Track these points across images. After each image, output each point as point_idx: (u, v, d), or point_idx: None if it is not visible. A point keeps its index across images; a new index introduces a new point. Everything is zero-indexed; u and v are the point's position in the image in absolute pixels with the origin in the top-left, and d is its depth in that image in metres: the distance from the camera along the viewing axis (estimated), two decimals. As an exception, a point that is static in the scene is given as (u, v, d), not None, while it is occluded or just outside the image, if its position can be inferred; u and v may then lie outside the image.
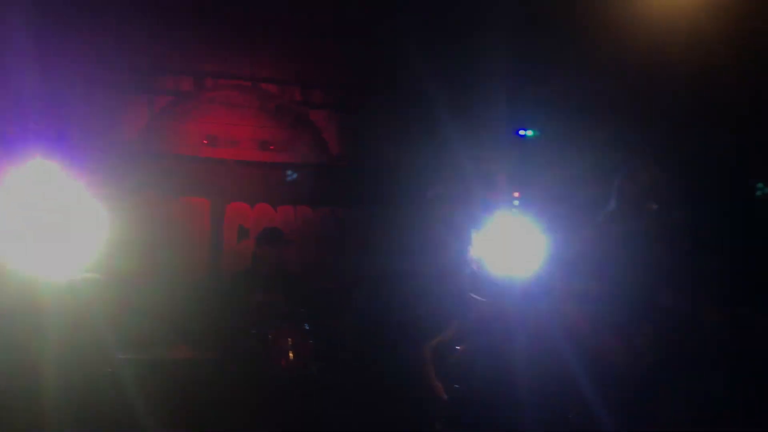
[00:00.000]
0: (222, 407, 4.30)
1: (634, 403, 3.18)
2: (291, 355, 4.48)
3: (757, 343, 3.91)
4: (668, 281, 3.29)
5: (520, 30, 5.46)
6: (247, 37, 5.75)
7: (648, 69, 4.90)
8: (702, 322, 3.21)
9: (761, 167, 4.90)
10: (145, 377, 4.22)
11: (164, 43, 5.52)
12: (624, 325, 3.21)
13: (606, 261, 3.27)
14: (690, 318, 3.18)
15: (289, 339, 4.51)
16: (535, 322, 4.69)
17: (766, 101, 4.53)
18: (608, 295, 3.24)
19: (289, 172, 5.84)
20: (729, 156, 4.94)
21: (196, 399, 4.36)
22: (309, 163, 5.92)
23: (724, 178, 5.02)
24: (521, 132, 6.16)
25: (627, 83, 5.18)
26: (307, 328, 4.66)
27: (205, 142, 5.63)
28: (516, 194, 6.04)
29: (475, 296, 4.69)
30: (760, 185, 3.20)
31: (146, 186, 5.37)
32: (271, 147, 5.81)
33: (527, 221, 5.64)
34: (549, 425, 4.03)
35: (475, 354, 4.46)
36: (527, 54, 5.63)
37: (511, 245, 5.66)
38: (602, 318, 3.24)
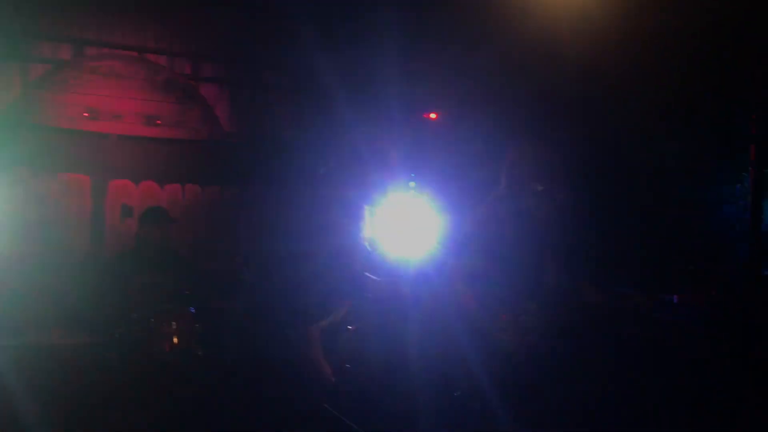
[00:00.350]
0: (103, 392, 4.11)
1: (519, 381, 3.23)
2: (175, 339, 4.31)
3: (634, 320, 4.08)
4: (553, 261, 3.36)
5: (418, 11, 5.44)
6: (133, 4, 5.46)
7: (541, 53, 4.97)
8: (584, 301, 3.29)
9: (647, 153, 5.08)
10: (21, 363, 4.02)
11: (40, 5, 5.14)
12: (511, 303, 3.26)
13: (494, 240, 3.31)
14: (573, 296, 3.26)
15: (174, 323, 4.33)
16: (428, 301, 4.74)
17: (654, 85, 4.67)
18: (497, 273, 3.27)
19: (177, 149, 5.58)
20: (616, 141, 5.09)
21: (76, 384, 4.17)
22: (198, 140, 5.68)
23: (610, 164, 5.18)
24: (417, 113, 6.15)
25: (520, 67, 5.24)
26: (192, 311, 4.50)
27: (86, 114, 5.29)
28: (412, 175, 6.05)
29: (369, 275, 4.67)
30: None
31: (21, 161, 5.03)
32: (158, 122, 5.54)
33: (422, 201, 5.70)
34: (437, 403, 4.08)
35: (367, 333, 4.45)
36: (423, 34, 5.61)
37: (406, 225, 5.71)
38: (491, 296, 3.27)
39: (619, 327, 4.00)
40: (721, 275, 4.46)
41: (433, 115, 6.20)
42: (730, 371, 3.79)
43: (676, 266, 3.21)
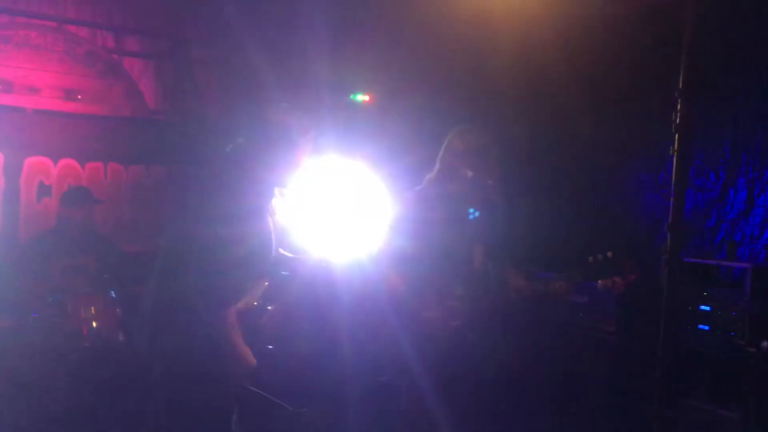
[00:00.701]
0: (16, 378, 3.93)
1: (444, 363, 3.27)
2: (94, 324, 4.16)
3: (552, 305, 4.18)
4: (481, 246, 3.39)
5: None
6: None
7: (474, 37, 4.98)
8: (509, 285, 3.34)
9: (575, 140, 5.17)
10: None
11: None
12: (439, 286, 3.29)
13: (424, 224, 3.32)
14: (498, 281, 3.30)
15: (93, 307, 4.17)
16: (357, 282, 4.73)
17: (584, 71, 4.75)
18: (426, 256, 3.29)
19: (98, 125, 5.34)
20: (545, 127, 5.16)
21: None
22: (122, 116, 5.45)
23: (538, 150, 5.26)
24: (348, 94, 6.08)
25: (453, 51, 5.24)
26: (113, 295, 4.35)
27: (-1, 87, 5.01)
28: (341, 156, 6.00)
29: (283, 252, 4.59)
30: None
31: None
32: (79, 96, 5.28)
33: (352, 184, 5.66)
34: (363, 386, 4.09)
35: (291, 313, 4.40)
36: (355, 15, 5.54)
37: (336, 207, 5.66)
38: (420, 279, 3.29)
39: (540, 311, 4.10)
40: (642, 261, 4.60)
41: (365, 97, 6.13)
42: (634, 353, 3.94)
43: (599, 252, 3.26)
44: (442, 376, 3.26)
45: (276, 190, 3.04)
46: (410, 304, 3.27)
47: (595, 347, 4.12)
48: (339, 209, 5.71)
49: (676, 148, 2.67)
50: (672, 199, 2.73)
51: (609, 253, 3.23)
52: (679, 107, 2.62)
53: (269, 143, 2.79)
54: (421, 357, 3.26)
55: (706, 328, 3.90)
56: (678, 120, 2.63)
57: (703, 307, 3.94)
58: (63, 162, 5.21)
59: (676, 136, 2.65)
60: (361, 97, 6.12)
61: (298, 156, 2.84)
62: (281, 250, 5.39)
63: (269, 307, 4.28)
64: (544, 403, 4.18)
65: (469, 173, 3.28)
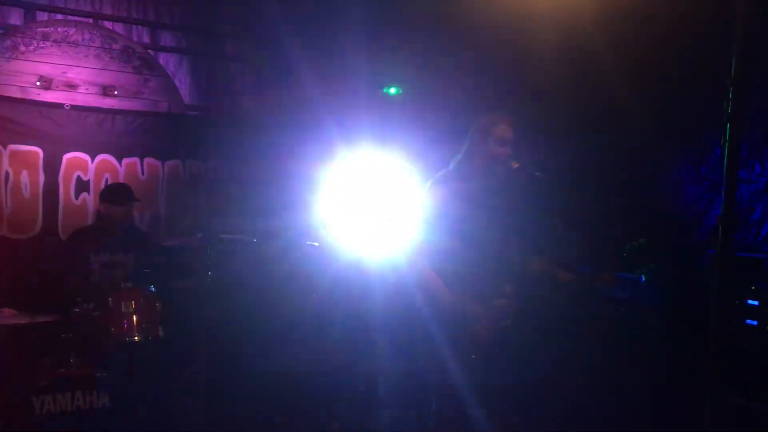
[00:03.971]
0: (60, 373, 3.95)
1: (487, 364, 3.16)
2: (134, 318, 4.18)
3: (594, 300, 4.10)
4: (523, 240, 3.28)
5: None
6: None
7: (517, 27, 4.89)
8: (555, 281, 3.25)
9: (617, 132, 5.06)
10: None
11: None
12: (481, 284, 3.17)
13: (464, 219, 3.21)
14: (544, 277, 3.20)
15: (133, 302, 4.19)
16: (391, 278, 4.70)
17: (628, 61, 4.64)
18: (464, 252, 3.18)
19: (134, 121, 5.36)
20: (586, 119, 5.06)
21: (26, 365, 4.03)
22: (157, 112, 5.47)
23: (578, 141, 5.16)
24: (384, 87, 6.03)
25: (495, 39, 5.15)
26: (153, 290, 4.37)
27: (37, 84, 5.04)
28: (377, 150, 5.96)
29: (311, 243, 4.57)
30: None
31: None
32: (115, 92, 5.31)
33: (387, 177, 5.62)
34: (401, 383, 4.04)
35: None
36: (390, 7, 5.50)
37: (370, 201, 5.63)
38: (457, 276, 3.17)
39: (594, 307, 4.00)
40: (686, 255, 4.51)
41: (398, 90, 6.09)
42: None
43: (642, 247, 3.16)
44: (484, 375, 3.15)
45: (327, 185, 2.98)
46: (448, 301, 3.13)
47: (639, 343, 4.04)
48: (374, 203, 5.68)
49: (727, 138, 2.59)
50: (723, 191, 2.64)
51: (642, 240, 3.12)
52: (731, 95, 2.54)
53: (323, 140, 2.74)
54: (459, 356, 3.14)
55: (754, 323, 3.80)
56: (729, 109, 2.56)
57: (750, 302, 3.84)
58: (100, 158, 5.24)
59: (728, 125, 2.57)
60: (395, 90, 6.07)
61: (349, 152, 2.78)
62: (309, 242, 5.41)
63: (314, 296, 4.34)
64: (588, 401, 4.11)
65: (515, 164, 3.15)
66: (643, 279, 3.32)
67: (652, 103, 4.80)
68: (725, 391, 2.95)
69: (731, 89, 2.54)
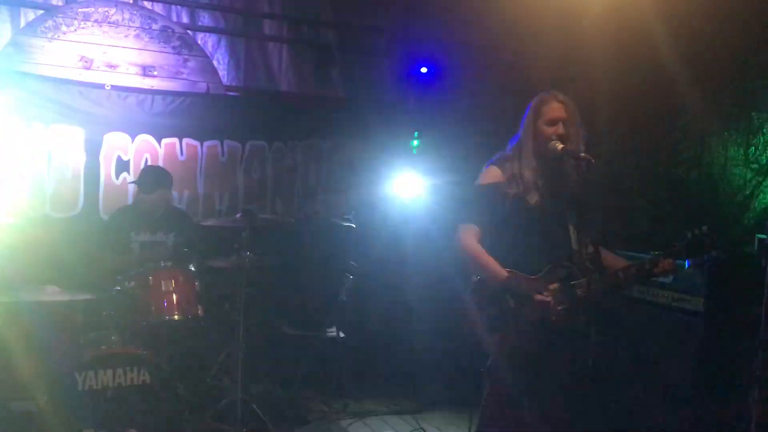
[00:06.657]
0: (103, 348, 4.00)
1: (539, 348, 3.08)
2: (174, 297, 4.21)
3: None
4: (579, 226, 3.18)
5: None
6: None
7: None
8: (609, 267, 3.15)
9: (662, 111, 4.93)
10: (15, 319, 3.90)
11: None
12: (535, 268, 3.07)
13: (516, 200, 3.13)
14: (597, 263, 3.07)
15: (173, 281, 4.22)
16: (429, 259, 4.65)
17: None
18: (519, 234, 3.10)
19: (174, 101, 5.37)
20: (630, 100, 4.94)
21: (69, 342, 4.09)
22: (196, 92, 5.47)
23: (624, 128, 5.04)
24: (418, 67, 5.96)
25: (540, 17, 5.03)
26: (192, 269, 4.39)
27: (78, 64, 5.08)
28: (415, 132, 5.92)
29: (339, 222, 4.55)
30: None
31: (9, 111, 4.82)
32: (155, 72, 5.33)
33: (426, 157, 5.60)
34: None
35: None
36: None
37: (409, 181, 5.60)
38: (512, 259, 3.09)
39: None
40: (730, 239, 4.39)
41: (424, 69, 6.00)
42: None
43: (704, 234, 3.04)
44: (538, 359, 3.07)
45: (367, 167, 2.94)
46: (501, 277, 3.05)
47: (683, 328, 3.95)
48: (410, 185, 5.65)
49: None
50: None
51: (705, 228, 3.02)
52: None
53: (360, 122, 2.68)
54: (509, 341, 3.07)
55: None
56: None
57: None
58: (140, 138, 5.27)
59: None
60: (423, 70, 5.97)
61: (386, 133, 2.73)
62: (346, 224, 5.40)
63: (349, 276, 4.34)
64: (629, 387, 4.04)
65: (559, 146, 3.06)
66: (688, 264, 3.22)
67: (702, 82, 4.66)
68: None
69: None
